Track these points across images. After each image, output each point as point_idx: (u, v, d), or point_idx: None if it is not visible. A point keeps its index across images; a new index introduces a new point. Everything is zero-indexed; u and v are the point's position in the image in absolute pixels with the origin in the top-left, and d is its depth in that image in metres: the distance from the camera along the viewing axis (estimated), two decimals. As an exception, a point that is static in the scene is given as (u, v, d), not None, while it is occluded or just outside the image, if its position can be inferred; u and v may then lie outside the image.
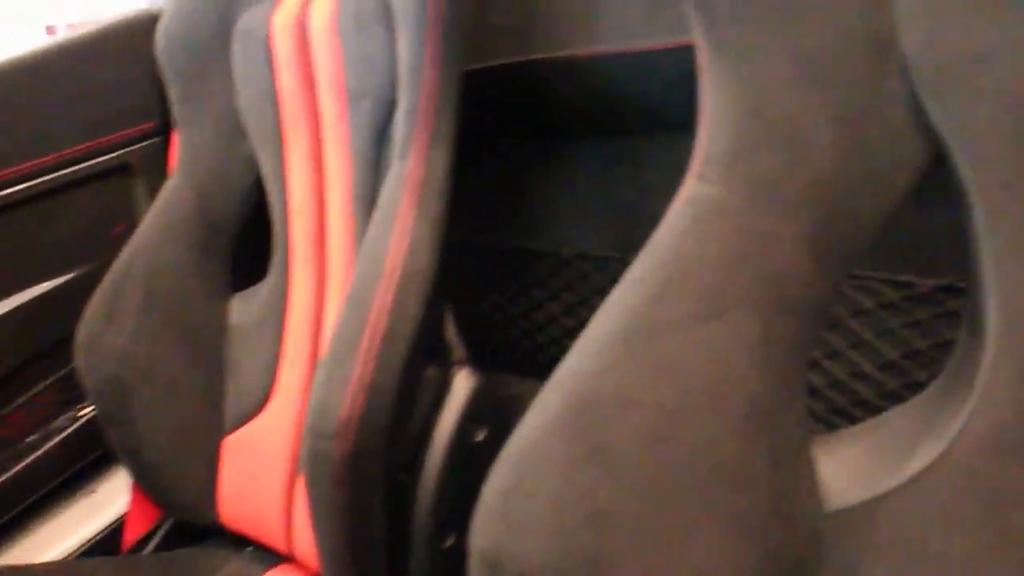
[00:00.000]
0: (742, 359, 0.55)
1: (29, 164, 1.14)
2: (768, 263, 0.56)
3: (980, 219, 0.53)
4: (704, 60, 0.58)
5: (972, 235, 0.54)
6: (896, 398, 0.89)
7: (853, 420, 0.92)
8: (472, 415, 0.90)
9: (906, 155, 0.56)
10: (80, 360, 1.10)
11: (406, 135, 0.82)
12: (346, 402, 0.77)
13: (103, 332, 1.09)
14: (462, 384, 0.90)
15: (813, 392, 0.94)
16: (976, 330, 0.55)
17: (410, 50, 0.81)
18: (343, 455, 0.77)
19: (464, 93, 0.91)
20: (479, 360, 0.94)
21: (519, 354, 1.25)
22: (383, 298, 0.78)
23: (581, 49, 0.90)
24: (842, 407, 0.93)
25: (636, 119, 0.90)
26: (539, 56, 0.93)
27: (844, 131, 0.55)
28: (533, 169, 1.12)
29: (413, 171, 0.81)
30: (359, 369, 0.77)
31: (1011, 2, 0.50)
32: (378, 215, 0.83)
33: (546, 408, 0.57)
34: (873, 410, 0.91)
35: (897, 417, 0.60)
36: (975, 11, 0.51)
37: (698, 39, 0.59)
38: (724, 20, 0.57)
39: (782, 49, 0.55)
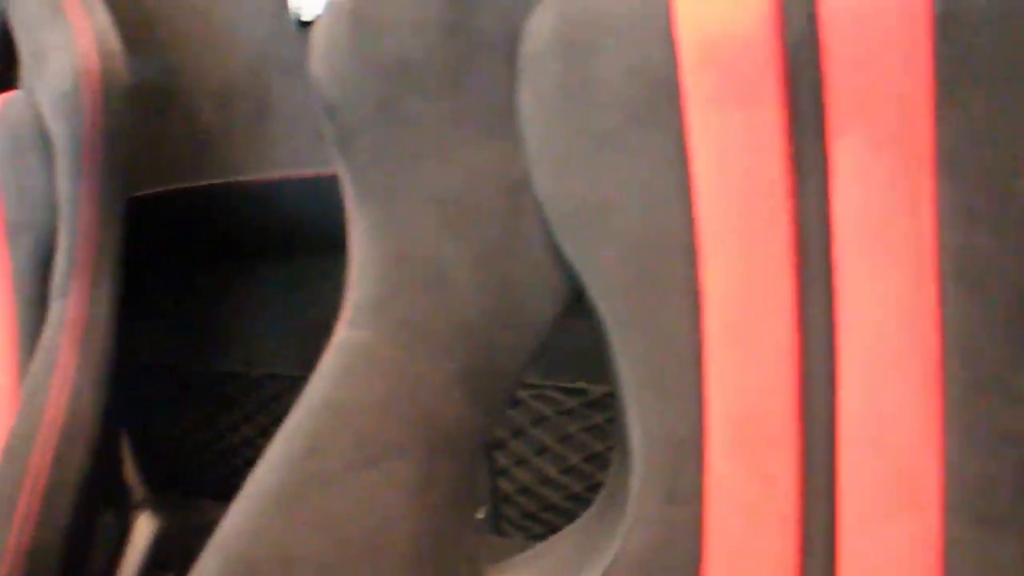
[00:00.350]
0: (401, 504, 0.55)
1: None
2: (422, 406, 0.57)
3: (616, 350, 0.56)
4: (350, 204, 0.59)
5: (611, 364, 0.57)
6: (584, 501, 0.93)
7: (545, 524, 0.95)
8: (157, 561, 0.85)
9: (547, 290, 0.59)
10: None
11: (66, 274, 0.78)
12: (2, 572, 0.71)
13: None
14: (144, 529, 0.86)
15: (505, 499, 0.97)
16: (624, 454, 0.58)
17: (66, 183, 0.78)
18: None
19: (142, 217, 0.88)
20: (176, 486, 0.90)
21: (217, 478, 1.20)
22: (42, 453, 0.73)
23: (255, 175, 0.89)
24: (533, 512, 0.96)
25: (314, 240, 0.90)
26: (215, 181, 0.92)
27: (485, 271, 0.58)
28: (221, 291, 1.09)
29: (73, 312, 0.77)
30: (15, 536, 0.71)
31: (629, 159, 0.54)
32: (38, 360, 0.78)
33: (205, 573, 0.55)
34: (562, 513, 0.94)
35: (563, 541, 0.62)
36: (596, 164, 0.54)
37: (343, 183, 0.60)
38: (366, 165, 0.58)
39: (423, 193, 0.57)
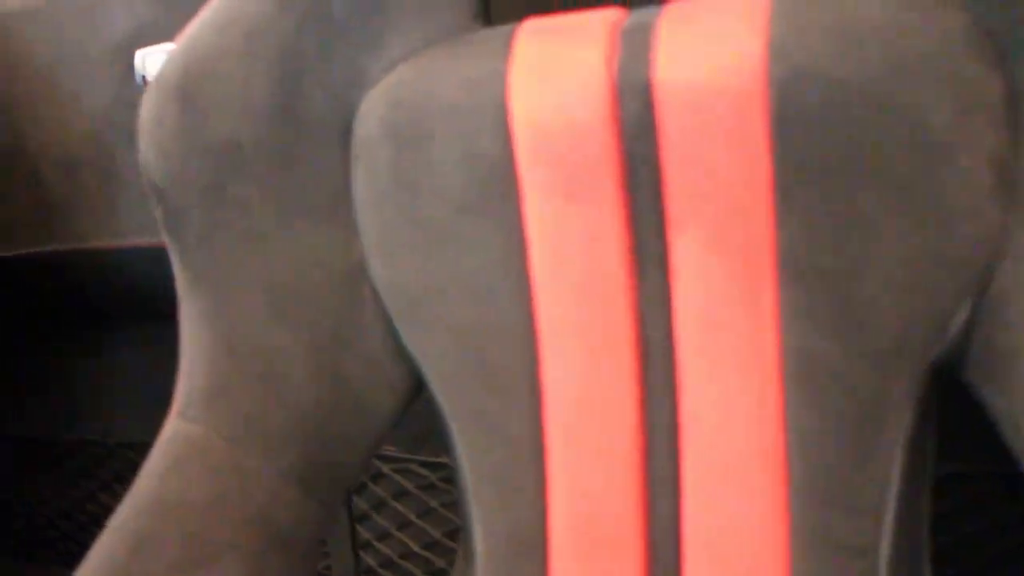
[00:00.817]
0: None
1: None
2: (255, 503, 0.54)
3: (455, 442, 0.55)
4: (180, 288, 0.57)
5: (452, 457, 0.55)
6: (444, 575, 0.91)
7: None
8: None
9: (386, 383, 0.57)
10: None
11: None
12: None
13: None
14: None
15: (367, 572, 0.94)
16: (468, 545, 0.56)
17: None
18: None
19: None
20: (32, 557, 0.85)
21: (79, 548, 1.15)
22: None
23: (104, 241, 0.86)
24: (396, 587, 0.94)
25: (170, 307, 0.87)
26: (61, 248, 0.88)
27: (318, 362, 0.55)
28: (74, 355, 1.05)
29: None
30: None
31: (464, 248, 0.52)
32: None
33: None
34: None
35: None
36: (429, 254, 0.53)
37: (175, 267, 0.57)
38: (194, 247, 0.55)
39: (253, 279, 0.55)
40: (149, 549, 0.53)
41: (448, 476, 0.88)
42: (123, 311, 0.98)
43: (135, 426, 1.03)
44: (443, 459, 0.88)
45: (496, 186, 0.51)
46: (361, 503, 0.93)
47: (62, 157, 0.85)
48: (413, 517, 0.91)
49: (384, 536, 0.93)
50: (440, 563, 0.91)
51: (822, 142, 0.45)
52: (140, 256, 0.85)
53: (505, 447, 0.53)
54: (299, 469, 0.55)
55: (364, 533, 0.94)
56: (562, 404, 0.52)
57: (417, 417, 0.58)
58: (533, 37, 0.51)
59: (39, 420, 1.11)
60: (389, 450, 0.89)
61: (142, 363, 1.00)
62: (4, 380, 1.10)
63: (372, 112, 0.54)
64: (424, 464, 0.89)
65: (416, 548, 0.91)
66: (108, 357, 1.03)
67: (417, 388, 0.57)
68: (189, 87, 0.54)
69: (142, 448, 0.54)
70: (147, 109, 0.55)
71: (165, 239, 0.56)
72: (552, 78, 0.49)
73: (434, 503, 0.89)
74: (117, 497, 0.57)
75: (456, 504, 0.88)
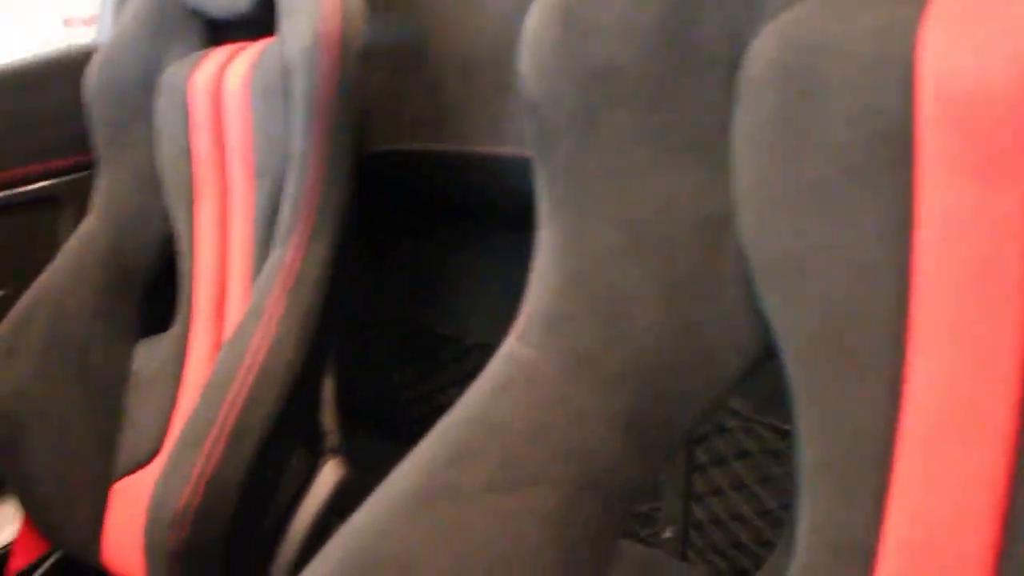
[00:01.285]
0: (535, 534, 0.52)
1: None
2: (577, 440, 0.53)
3: (799, 420, 0.50)
4: (542, 212, 0.56)
5: (794, 431, 0.51)
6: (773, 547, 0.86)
7: (730, 561, 0.89)
8: (336, 507, 0.88)
9: (736, 341, 0.53)
10: (-24, 391, 1.08)
11: (287, 224, 0.80)
12: (184, 494, 0.74)
13: (2, 367, 1.07)
14: (329, 475, 0.88)
15: (695, 525, 0.91)
16: (790, 541, 0.52)
17: (298, 137, 0.79)
18: (178, 545, 0.75)
19: (381, 174, 0.89)
20: (373, 438, 0.92)
21: (416, 437, 1.22)
22: (237, 394, 0.75)
23: (488, 147, 0.87)
24: (720, 546, 0.90)
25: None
26: (450, 148, 0.91)
27: (670, 310, 0.53)
28: (445, 255, 1.10)
29: (289, 263, 0.78)
30: (201, 463, 0.74)
31: (842, 216, 0.47)
32: (251, 304, 0.81)
33: (326, 561, 0.54)
34: (749, 555, 0.87)
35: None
36: (804, 215, 0.48)
37: (539, 189, 0.56)
38: (560, 173, 0.54)
39: (614, 214, 0.53)
40: (467, 463, 0.53)
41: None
42: (500, 218, 1.00)
43: (493, 330, 1.06)
44: (791, 427, 0.83)
45: (890, 150, 0.45)
46: (701, 454, 0.89)
47: (461, 60, 0.87)
48: (751, 480, 0.86)
49: (717, 492, 0.89)
50: (769, 535, 0.86)
51: None
52: (521, 167, 0.86)
53: (851, 439, 0.48)
54: (627, 415, 0.53)
55: (698, 484, 0.91)
56: (923, 407, 0.46)
57: (771, 376, 0.53)
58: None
59: (406, 310, 1.18)
60: (736, 406, 0.85)
61: (507, 270, 1.03)
62: (380, 269, 1.17)
63: (764, 50, 0.49)
64: (771, 428, 0.84)
65: (748, 512, 0.87)
66: (476, 259, 1.07)
67: (765, 353, 0.53)
68: (574, 6, 0.52)
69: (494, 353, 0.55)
70: (531, 24, 0.54)
71: (534, 159, 0.56)
72: (975, 34, 0.42)
73: (776, 470, 0.84)
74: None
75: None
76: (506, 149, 0.86)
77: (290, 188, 0.80)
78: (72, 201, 1.24)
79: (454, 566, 0.51)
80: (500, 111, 0.85)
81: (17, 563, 1.23)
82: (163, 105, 1.03)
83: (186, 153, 1.00)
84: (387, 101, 0.94)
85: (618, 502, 0.55)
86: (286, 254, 0.79)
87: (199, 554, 0.76)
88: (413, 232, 1.13)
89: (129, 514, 1.07)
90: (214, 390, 0.77)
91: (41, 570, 1.22)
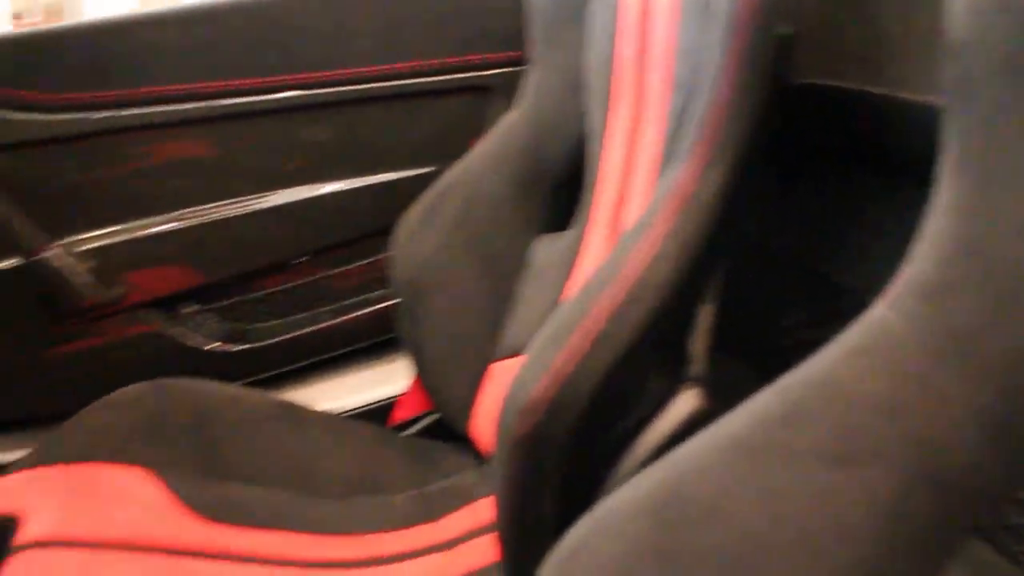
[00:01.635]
0: (859, 518, 0.48)
1: (389, 67, 1.23)
2: (929, 425, 0.48)
3: None
4: (944, 165, 0.50)
5: None
6: None
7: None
8: (682, 437, 0.87)
9: None
10: (392, 253, 1.19)
11: (688, 143, 0.78)
12: (540, 385, 0.77)
13: (415, 236, 1.17)
14: (685, 403, 0.87)
15: (1008, 528, 0.80)
16: None
17: (715, 57, 0.77)
18: (523, 434, 0.78)
19: (796, 106, 0.84)
20: (764, 378, 0.90)
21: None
22: (607, 303, 0.76)
23: (921, 95, 0.79)
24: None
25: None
26: (880, 91, 0.84)
27: None
28: (854, 200, 1.02)
29: (682, 184, 0.77)
30: (562, 359, 0.76)
31: None
32: (639, 218, 0.80)
33: (640, 485, 0.54)
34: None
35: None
36: None
37: (946, 145, 0.50)
38: (974, 126, 0.48)
39: None
40: (803, 423, 0.50)
41: None
42: (921, 171, 0.92)
43: (882, 282, 0.99)
44: None
45: None
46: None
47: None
48: None
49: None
50: None
51: None
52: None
53: None
54: (996, 412, 0.47)
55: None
56: None
57: None
58: None
59: (807, 250, 1.12)
60: None
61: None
62: (785, 208, 1.12)
63: None
64: None
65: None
66: (885, 209, 0.99)
67: None
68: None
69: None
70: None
71: (947, 109, 0.50)
72: None
73: None
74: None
75: None
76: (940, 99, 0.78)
77: (697, 107, 0.78)
78: (503, 93, 1.30)
79: (762, 524, 0.49)
80: (936, 56, 0.77)
81: (401, 414, 1.36)
82: (596, 11, 1.05)
83: (609, 60, 1.01)
84: (818, 30, 0.88)
85: (967, 507, 0.49)
86: (679, 175, 0.77)
87: (541, 446, 0.78)
88: (818, 175, 1.07)
89: (497, 395, 1.14)
90: (588, 292, 0.78)
91: (419, 425, 1.34)
